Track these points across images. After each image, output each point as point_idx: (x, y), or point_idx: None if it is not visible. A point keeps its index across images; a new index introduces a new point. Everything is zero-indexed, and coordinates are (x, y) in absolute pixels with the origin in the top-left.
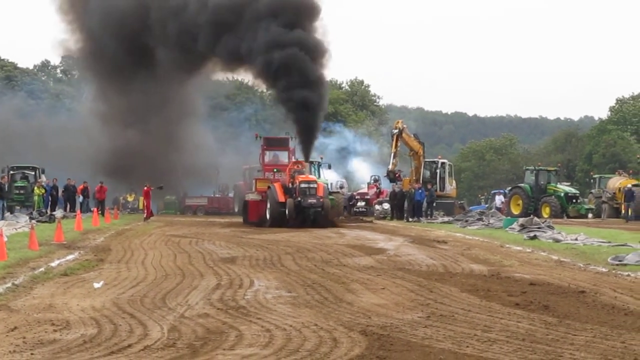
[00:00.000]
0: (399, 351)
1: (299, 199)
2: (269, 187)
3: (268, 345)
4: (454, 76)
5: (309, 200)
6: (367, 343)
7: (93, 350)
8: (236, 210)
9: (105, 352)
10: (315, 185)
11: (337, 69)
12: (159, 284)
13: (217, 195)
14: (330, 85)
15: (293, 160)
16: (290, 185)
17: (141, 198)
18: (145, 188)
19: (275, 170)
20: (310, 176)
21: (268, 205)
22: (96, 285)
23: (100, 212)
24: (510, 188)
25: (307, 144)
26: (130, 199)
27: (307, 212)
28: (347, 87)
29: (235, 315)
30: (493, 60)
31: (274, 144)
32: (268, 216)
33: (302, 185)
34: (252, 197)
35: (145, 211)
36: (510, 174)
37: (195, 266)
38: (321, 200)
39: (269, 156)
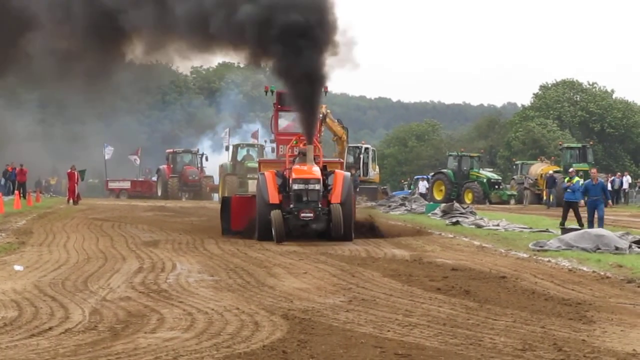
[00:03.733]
0: (321, 335)
1: (291, 206)
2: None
3: (189, 329)
4: (377, 61)
5: (302, 214)
6: (289, 327)
7: (13, 333)
8: (159, 194)
9: (26, 335)
10: (316, 187)
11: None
12: (81, 267)
13: (140, 179)
14: (251, 69)
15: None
16: (289, 176)
17: (64, 181)
18: (70, 171)
19: (295, 141)
20: (312, 167)
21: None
22: (17, 268)
23: (21, 194)
24: (433, 174)
25: (305, 108)
26: (52, 182)
27: (304, 229)
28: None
29: (157, 299)
30: (416, 45)
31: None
32: (257, 224)
33: (295, 186)
34: (250, 189)
35: (68, 194)
36: (433, 160)
37: (118, 249)
38: (322, 212)
39: (285, 120)
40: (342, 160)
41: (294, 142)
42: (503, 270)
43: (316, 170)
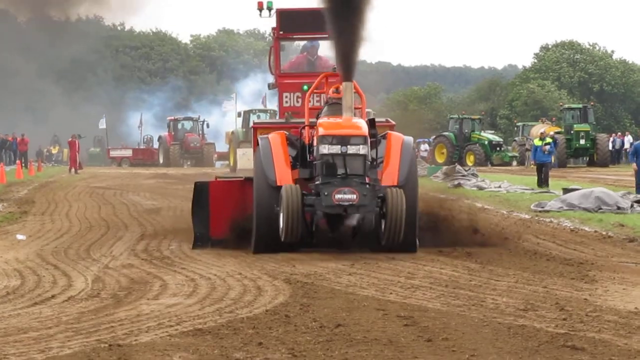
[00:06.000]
0: (323, 298)
1: (317, 182)
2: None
3: (192, 295)
4: (377, 25)
5: (337, 196)
6: (291, 291)
7: (16, 302)
8: (161, 161)
9: (29, 303)
10: (361, 150)
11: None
12: (83, 235)
13: (141, 147)
14: (253, 35)
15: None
16: (309, 141)
17: (65, 150)
18: (70, 140)
19: (304, 87)
20: (353, 119)
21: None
22: (19, 237)
23: (23, 164)
24: (434, 137)
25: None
26: (54, 151)
27: (335, 224)
28: (269, 37)
29: (159, 266)
30: (416, 7)
31: (305, 24)
32: (254, 225)
33: (324, 149)
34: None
35: (70, 163)
36: (434, 123)
37: (120, 217)
38: (371, 194)
39: (291, 54)
40: (391, 121)
41: (304, 87)
42: (505, 232)
43: (360, 123)
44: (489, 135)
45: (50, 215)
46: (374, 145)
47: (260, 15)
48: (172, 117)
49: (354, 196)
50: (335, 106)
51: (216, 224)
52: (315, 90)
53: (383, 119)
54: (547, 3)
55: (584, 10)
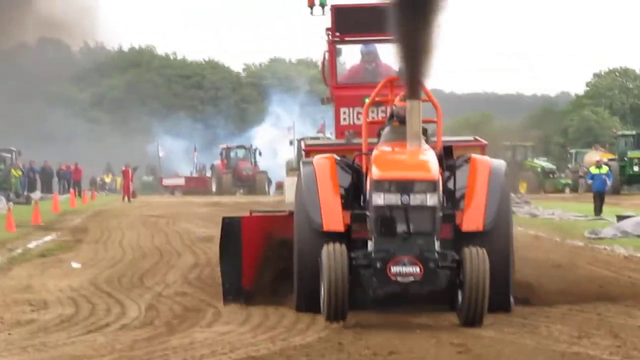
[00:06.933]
0: (376, 326)
1: (370, 246)
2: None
3: (245, 322)
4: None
5: (394, 268)
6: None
7: (71, 330)
8: (213, 190)
9: (83, 332)
10: (429, 200)
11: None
12: (137, 263)
13: (194, 175)
14: (304, 63)
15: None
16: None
17: (119, 179)
18: (124, 168)
19: (366, 99)
20: (419, 152)
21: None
22: (74, 265)
23: (77, 193)
24: None
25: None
26: (107, 179)
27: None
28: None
29: (212, 293)
30: (467, 36)
31: (366, 24)
32: (295, 280)
33: (379, 200)
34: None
35: (123, 191)
36: (487, 151)
37: (173, 245)
38: (440, 265)
39: (350, 60)
40: (482, 141)
41: (365, 100)
42: (558, 259)
43: (429, 161)
44: (541, 162)
45: (104, 243)
46: (452, 174)
47: (311, 13)
48: (225, 145)
49: (417, 269)
50: (400, 128)
51: (249, 271)
52: (377, 100)
53: (470, 138)
54: (598, 31)
55: (636, 37)
